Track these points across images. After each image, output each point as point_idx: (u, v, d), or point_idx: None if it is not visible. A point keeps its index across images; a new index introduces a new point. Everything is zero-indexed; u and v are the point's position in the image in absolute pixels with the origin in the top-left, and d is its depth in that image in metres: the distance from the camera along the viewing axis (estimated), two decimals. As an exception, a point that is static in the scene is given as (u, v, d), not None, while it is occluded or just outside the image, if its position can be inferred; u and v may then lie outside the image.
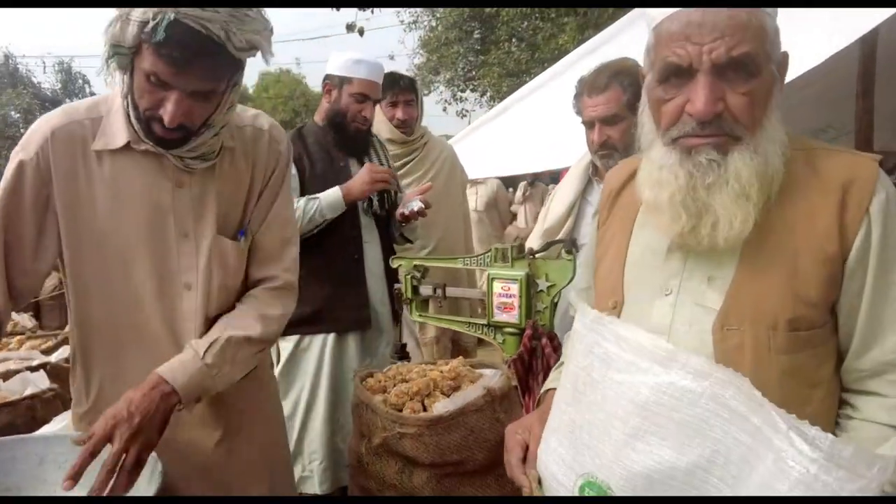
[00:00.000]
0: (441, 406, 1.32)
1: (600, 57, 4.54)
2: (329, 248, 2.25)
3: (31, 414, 1.92)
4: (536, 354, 1.80)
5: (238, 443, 1.33)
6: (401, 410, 1.35)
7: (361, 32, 7.84)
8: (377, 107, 2.66)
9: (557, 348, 1.84)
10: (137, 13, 1.04)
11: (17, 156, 1.20)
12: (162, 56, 1.05)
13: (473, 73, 17.29)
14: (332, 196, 2.19)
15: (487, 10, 15.48)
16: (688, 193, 0.93)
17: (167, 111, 1.10)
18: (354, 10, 7.87)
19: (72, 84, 26.82)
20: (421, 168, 2.84)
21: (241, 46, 1.09)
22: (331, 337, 2.21)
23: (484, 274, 1.92)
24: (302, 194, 2.29)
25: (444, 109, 18.09)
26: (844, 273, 0.93)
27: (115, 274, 1.22)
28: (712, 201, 0.92)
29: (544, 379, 1.78)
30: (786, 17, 1.01)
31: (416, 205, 2.25)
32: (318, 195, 2.21)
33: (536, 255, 1.84)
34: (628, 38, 4.39)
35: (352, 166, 2.38)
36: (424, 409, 1.37)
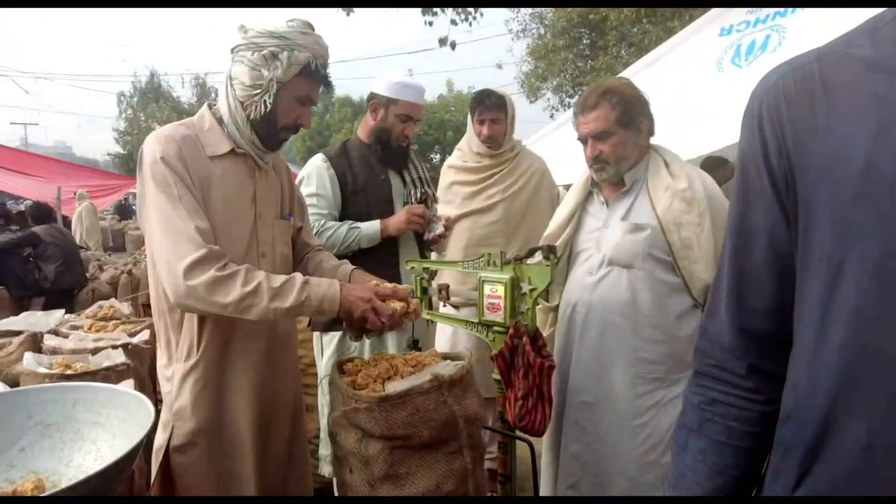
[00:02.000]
0: (391, 387, 1.53)
1: (667, 63, 4.56)
2: (368, 255, 2.52)
3: (106, 381, 2.35)
4: (518, 352, 1.96)
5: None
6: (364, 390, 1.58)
7: (453, 46, 8.18)
8: (468, 120, 3.02)
9: (541, 348, 2.00)
10: (298, 58, 1.59)
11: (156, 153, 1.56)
12: (316, 81, 1.68)
13: (581, 78, 17.14)
14: (371, 229, 2.50)
15: (595, 15, 15.33)
16: None
17: (306, 120, 1.70)
18: (448, 24, 8.21)
19: (206, 97, 29.53)
20: (507, 180, 3.00)
21: None
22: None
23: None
24: (345, 206, 2.58)
25: (552, 116, 18.08)
26: None
27: (222, 240, 1.59)
28: None
29: (525, 375, 1.95)
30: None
31: (439, 229, 2.56)
32: (359, 225, 2.50)
33: (522, 260, 2.00)
34: (698, 41, 4.38)
35: (392, 178, 2.66)
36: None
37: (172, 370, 1.68)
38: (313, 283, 1.56)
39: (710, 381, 0.95)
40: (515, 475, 2.15)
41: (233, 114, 1.65)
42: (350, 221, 2.53)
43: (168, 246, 1.50)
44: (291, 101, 1.65)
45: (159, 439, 1.70)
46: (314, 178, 2.56)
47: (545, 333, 2.40)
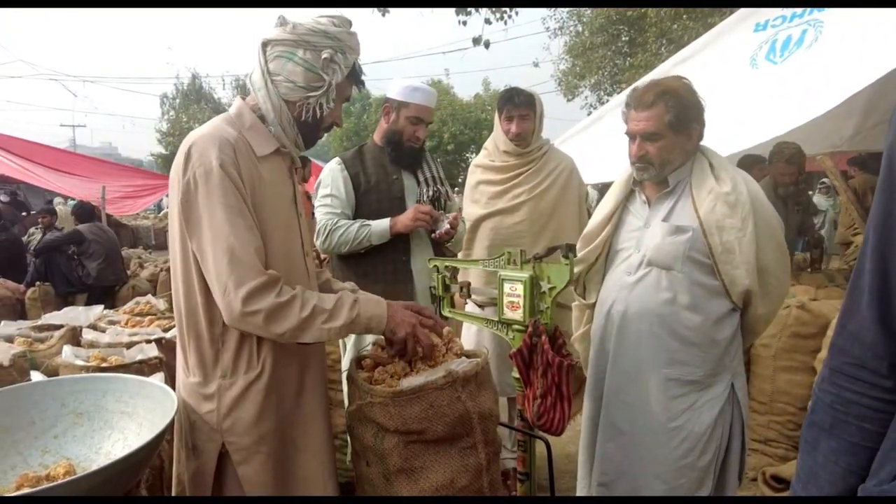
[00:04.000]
0: (406, 382, 1.56)
1: (700, 60, 4.48)
2: (380, 251, 2.59)
3: (139, 374, 2.43)
4: (536, 350, 1.97)
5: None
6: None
7: (487, 45, 8.16)
8: (495, 118, 3.01)
9: (560, 347, 2.00)
10: (348, 61, 1.58)
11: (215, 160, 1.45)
12: (354, 81, 1.66)
13: (620, 76, 16.93)
14: (380, 226, 2.56)
15: (634, 12, 15.13)
16: None
17: (341, 119, 1.68)
18: (482, 23, 8.20)
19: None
20: (533, 180, 2.99)
21: None
22: None
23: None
24: (358, 205, 2.65)
25: (589, 114, 17.86)
26: None
27: (272, 243, 1.54)
28: None
29: (543, 373, 1.95)
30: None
31: (444, 226, 2.60)
32: (369, 223, 2.57)
33: (541, 259, 2.00)
34: (732, 37, 4.30)
35: (405, 178, 2.72)
36: (402, 387, 1.61)
37: (217, 386, 1.55)
38: (362, 300, 1.58)
39: (845, 380, 0.92)
40: (535, 473, 2.16)
41: (278, 113, 1.58)
42: (362, 220, 2.59)
43: (225, 267, 1.43)
44: (338, 103, 1.64)
45: (191, 466, 1.58)
46: (329, 179, 2.68)
47: (581, 330, 2.39)
